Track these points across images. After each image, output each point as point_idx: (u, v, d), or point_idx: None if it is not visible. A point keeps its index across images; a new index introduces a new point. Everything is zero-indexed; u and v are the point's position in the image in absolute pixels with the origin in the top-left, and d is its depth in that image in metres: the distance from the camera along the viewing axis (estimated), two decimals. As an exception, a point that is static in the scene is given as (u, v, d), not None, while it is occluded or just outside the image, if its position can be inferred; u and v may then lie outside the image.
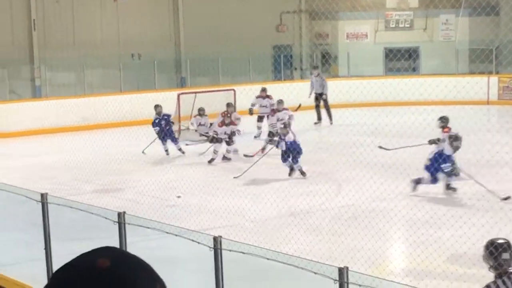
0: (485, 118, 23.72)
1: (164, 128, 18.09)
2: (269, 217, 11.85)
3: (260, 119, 20.44)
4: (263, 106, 20.41)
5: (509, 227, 10.43)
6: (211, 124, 18.64)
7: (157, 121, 18.26)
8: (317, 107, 23.03)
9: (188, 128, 20.57)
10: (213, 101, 20.47)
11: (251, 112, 20.15)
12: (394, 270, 9.18)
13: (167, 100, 20.57)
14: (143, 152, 17.96)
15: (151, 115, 18.79)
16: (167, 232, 5.54)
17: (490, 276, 8.49)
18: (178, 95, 21.20)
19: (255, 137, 19.53)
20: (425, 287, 8.05)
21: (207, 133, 18.40)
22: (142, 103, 22.50)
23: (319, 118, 22.92)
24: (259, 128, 20.23)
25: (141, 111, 22.10)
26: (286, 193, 13.49)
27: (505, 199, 11.73)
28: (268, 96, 20.58)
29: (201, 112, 19.45)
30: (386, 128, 16.52)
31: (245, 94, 20.85)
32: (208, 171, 15.87)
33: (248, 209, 12.03)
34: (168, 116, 18.56)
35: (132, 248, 9.21)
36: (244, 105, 20.42)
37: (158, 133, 18.15)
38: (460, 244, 9.54)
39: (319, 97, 23.05)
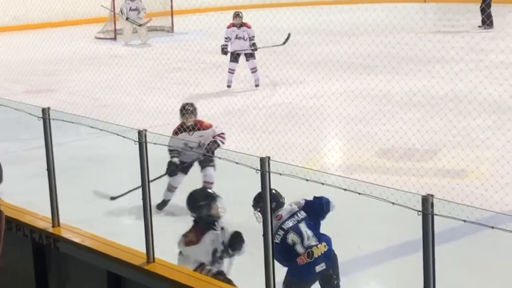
0: (422, 16, 23.81)
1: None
2: (204, 116, 11.78)
3: (234, 58, 14.52)
4: (239, 38, 14.57)
5: (444, 121, 10.63)
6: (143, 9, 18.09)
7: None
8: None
9: (118, 13, 20.03)
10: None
11: (225, 51, 14.46)
12: (324, 164, 9.28)
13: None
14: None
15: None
16: (91, 127, 5.43)
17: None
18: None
19: (228, 86, 14.33)
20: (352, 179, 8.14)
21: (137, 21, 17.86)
22: (75, 2, 21.87)
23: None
24: (232, 72, 14.45)
25: (75, 10, 21.52)
26: (221, 94, 13.45)
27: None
28: (244, 24, 14.70)
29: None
30: (320, 27, 16.48)
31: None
32: (144, 70, 15.64)
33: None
34: None
35: (64, 148, 9.12)
36: (180, 5, 19.98)
37: None
38: (388, 138, 9.70)
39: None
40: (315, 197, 5.57)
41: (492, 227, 3.38)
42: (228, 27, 14.47)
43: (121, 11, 20.14)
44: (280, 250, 5.33)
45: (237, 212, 6.10)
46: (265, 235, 4.21)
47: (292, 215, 5.56)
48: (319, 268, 5.49)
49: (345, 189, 3.31)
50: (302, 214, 5.56)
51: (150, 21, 20.75)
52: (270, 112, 11.91)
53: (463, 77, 13.35)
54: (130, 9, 19.83)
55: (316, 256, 5.47)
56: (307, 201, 5.63)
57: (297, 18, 17.15)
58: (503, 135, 9.40)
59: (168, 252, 5.28)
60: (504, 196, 7.62)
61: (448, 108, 11.26)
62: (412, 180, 8.10)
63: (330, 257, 5.54)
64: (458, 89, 12.24)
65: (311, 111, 11.57)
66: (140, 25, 20.26)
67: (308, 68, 15.17)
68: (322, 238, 5.54)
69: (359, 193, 3.49)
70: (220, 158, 4.57)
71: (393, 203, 3.34)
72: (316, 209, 5.58)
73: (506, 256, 6.56)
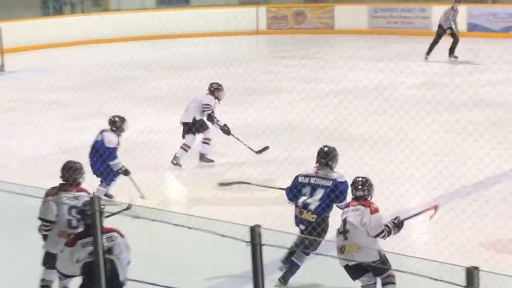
0: (255, 48, 24.39)
1: None
2: (38, 156, 11.48)
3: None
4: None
5: (280, 150, 10.85)
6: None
7: None
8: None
9: None
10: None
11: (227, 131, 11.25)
12: (165, 199, 9.26)
13: None
14: None
15: None
16: None
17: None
18: None
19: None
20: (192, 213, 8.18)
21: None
22: None
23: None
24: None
25: None
26: (56, 131, 13.16)
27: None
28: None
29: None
30: (154, 62, 16.51)
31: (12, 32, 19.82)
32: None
33: (17, 149, 11.64)
34: None
35: None
36: (11, 43, 19.37)
37: None
38: (227, 169, 9.82)
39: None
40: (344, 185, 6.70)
41: (325, 254, 3.49)
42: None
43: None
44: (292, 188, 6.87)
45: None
46: None
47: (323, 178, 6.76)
48: (301, 226, 6.64)
49: (175, 224, 3.32)
50: (327, 185, 6.72)
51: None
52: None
53: (295, 106, 13.80)
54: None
55: (302, 217, 6.64)
56: (338, 183, 6.71)
57: (130, 53, 17.13)
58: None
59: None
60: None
61: (283, 137, 11.57)
62: (251, 210, 8.23)
63: (308, 227, 6.53)
64: (291, 118, 12.60)
65: (149, 146, 11.53)
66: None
67: (145, 103, 15.10)
68: (316, 211, 6.58)
69: (189, 228, 3.51)
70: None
71: (222, 236, 3.39)
72: (336, 194, 6.64)
73: (336, 279, 6.71)
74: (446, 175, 9.24)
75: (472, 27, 23.10)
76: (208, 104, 10.78)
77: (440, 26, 18.80)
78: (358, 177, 6.34)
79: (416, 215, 6.44)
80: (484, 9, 23.32)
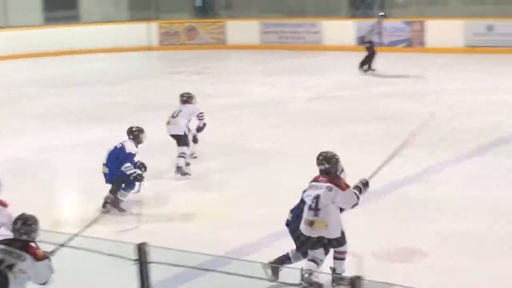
0: (147, 64, 24.22)
1: None
2: None
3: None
4: None
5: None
6: None
7: None
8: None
9: None
10: None
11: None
12: (57, 220, 9.00)
13: None
14: None
15: None
16: None
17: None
18: None
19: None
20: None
21: None
22: None
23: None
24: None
25: None
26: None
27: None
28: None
29: None
30: (45, 79, 16.16)
31: None
32: None
33: None
34: None
35: None
36: None
37: None
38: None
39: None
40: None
41: (215, 270, 3.44)
42: None
43: None
44: None
45: None
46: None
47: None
48: None
49: (62, 245, 3.20)
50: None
51: None
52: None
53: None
54: None
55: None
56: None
57: (22, 70, 16.70)
58: (232, 175, 9.74)
59: None
60: (229, 237, 7.86)
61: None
62: (145, 228, 8.12)
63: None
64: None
65: (41, 165, 11.22)
66: None
67: (37, 120, 14.68)
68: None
69: (74, 247, 3.40)
70: None
71: (108, 254, 3.30)
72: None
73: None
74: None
75: (362, 42, 23.60)
76: (202, 113, 10.80)
77: (363, 39, 18.97)
78: (322, 152, 6.75)
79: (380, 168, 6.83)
80: (373, 24, 23.85)
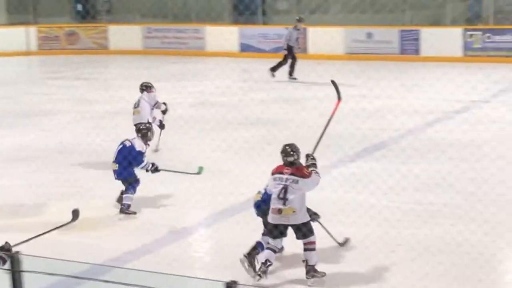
0: (26, 69, 23.58)
1: None
2: None
3: None
4: None
5: (55, 174, 10.43)
6: None
7: None
8: None
9: None
10: None
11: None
12: None
13: None
14: None
15: None
16: None
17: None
18: None
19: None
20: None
21: None
22: None
23: None
24: None
25: None
26: None
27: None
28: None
29: None
30: None
31: None
32: None
33: None
34: None
35: None
36: None
37: None
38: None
39: None
40: None
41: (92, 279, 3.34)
42: None
43: None
44: None
45: None
46: None
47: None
48: None
49: None
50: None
51: None
52: None
53: (71, 129, 13.43)
54: None
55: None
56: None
57: None
58: (109, 181, 9.52)
59: None
60: (109, 245, 7.72)
61: (58, 161, 11.18)
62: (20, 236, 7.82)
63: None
64: (67, 141, 12.25)
65: None
66: None
67: None
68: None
69: None
70: None
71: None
72: None
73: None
74: (225, 194, 9.32)
75: (245, 48, 23.78)
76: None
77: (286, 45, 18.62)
78: (286, 145, 6.98)
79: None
80: (256, 30, 24.08)
